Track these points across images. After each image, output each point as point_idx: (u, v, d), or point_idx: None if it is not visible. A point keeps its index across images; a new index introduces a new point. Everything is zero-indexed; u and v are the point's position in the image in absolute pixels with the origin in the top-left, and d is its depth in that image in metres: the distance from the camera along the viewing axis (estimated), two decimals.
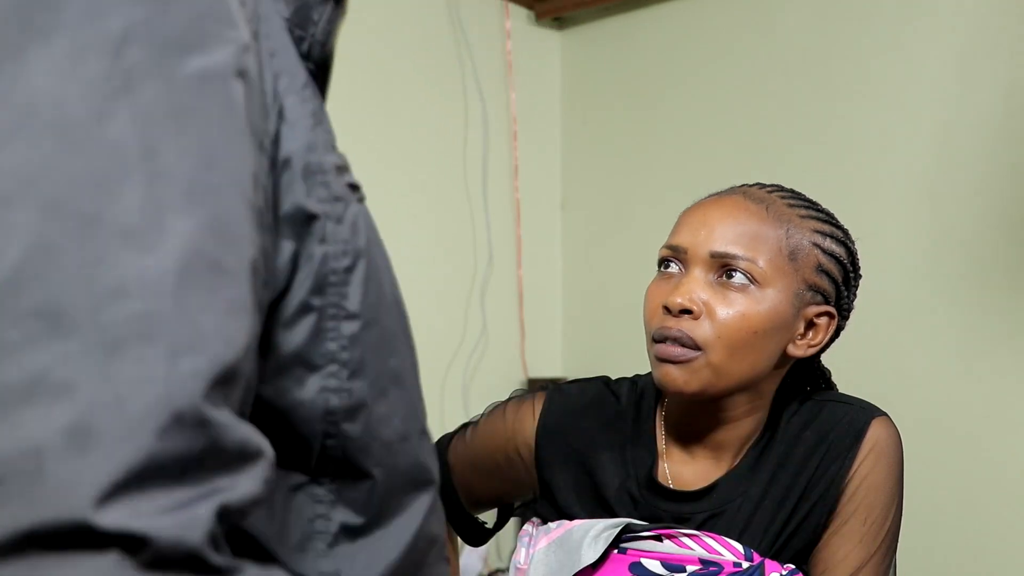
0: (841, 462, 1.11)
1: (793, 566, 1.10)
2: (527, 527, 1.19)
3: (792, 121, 2.31)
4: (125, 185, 0.47)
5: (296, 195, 0.56)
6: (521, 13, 2.74)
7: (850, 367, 1.39)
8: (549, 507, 1.20)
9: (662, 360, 1.08)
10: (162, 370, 0.45)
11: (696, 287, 1.07)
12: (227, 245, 0.49)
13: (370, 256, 0.60)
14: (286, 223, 0.56)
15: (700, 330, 1.06)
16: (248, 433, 0.48)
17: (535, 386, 1.29)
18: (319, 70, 0.63)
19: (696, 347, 1.06)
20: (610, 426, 1.19)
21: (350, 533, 0.59)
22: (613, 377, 1.27)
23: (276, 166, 0.55)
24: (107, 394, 0.44)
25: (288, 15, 0.61)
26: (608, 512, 1.15)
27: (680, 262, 1.10)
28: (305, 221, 0.56)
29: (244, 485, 0.47)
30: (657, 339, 1.08)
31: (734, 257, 1.07)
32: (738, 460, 1.15)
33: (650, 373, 1.25)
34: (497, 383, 2.60)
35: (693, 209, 1.14)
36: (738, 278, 1.07)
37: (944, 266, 2.07)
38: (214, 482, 0.45)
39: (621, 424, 1.19)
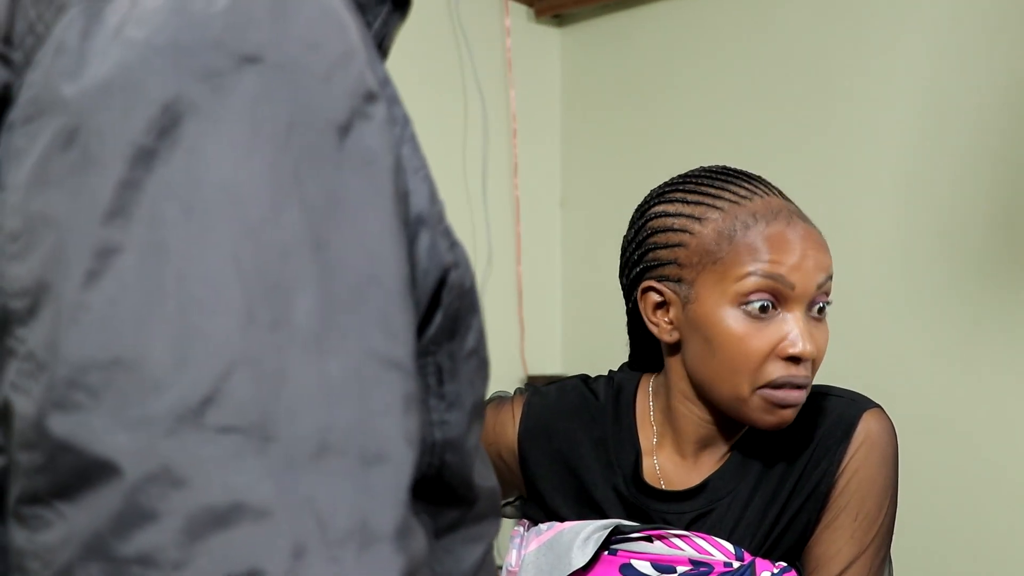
0: (831, 456, 1.09)
1: (785, 564, 1.09)
2: (518, 528, 1.19)
3: (792, 118, 2.30)
4: (301, 284, 0.45)
5: (436, 252, 0.54)
6: (520, 10, 2.73)
7: (839, 362, 1.38)
8: (538, 509, 1.19)
9: (785, 406, 1.06)
10: (354, 486, 0.44)
11: (808, 329, 1.05)
12: (394, 338, 0.48)
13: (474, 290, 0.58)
14: (427, 280, 0.53)
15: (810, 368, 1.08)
16: (422, 534, 0.49)
17: (535, 384, 1.29)
18: None
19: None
20: (591, 425, 1.18)
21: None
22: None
23: (409, 225, 0.52)
24: (307, 516, 0.43)
25: None
26: (596, 511, 1.14)
27: (777, 298, 1.05)
28: (442, 276, 0.54)
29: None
30: (780, 384, 1.05)
31: (828, 288, 1.07)
32: (726, 456, 1.14)
33: (623, 368, 1.24)
34: (497, 381, 2.53)
35: (787, 238, 1.05)
36: (825, 309, 1.08)
37: (934, 261, 2.06)
38: None
39: (601, 422, 1.18)
